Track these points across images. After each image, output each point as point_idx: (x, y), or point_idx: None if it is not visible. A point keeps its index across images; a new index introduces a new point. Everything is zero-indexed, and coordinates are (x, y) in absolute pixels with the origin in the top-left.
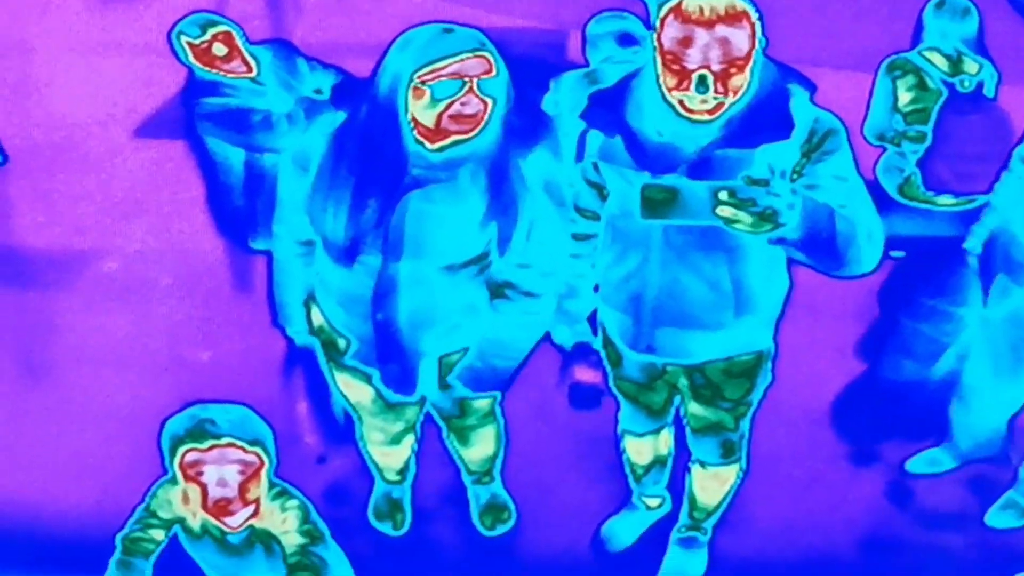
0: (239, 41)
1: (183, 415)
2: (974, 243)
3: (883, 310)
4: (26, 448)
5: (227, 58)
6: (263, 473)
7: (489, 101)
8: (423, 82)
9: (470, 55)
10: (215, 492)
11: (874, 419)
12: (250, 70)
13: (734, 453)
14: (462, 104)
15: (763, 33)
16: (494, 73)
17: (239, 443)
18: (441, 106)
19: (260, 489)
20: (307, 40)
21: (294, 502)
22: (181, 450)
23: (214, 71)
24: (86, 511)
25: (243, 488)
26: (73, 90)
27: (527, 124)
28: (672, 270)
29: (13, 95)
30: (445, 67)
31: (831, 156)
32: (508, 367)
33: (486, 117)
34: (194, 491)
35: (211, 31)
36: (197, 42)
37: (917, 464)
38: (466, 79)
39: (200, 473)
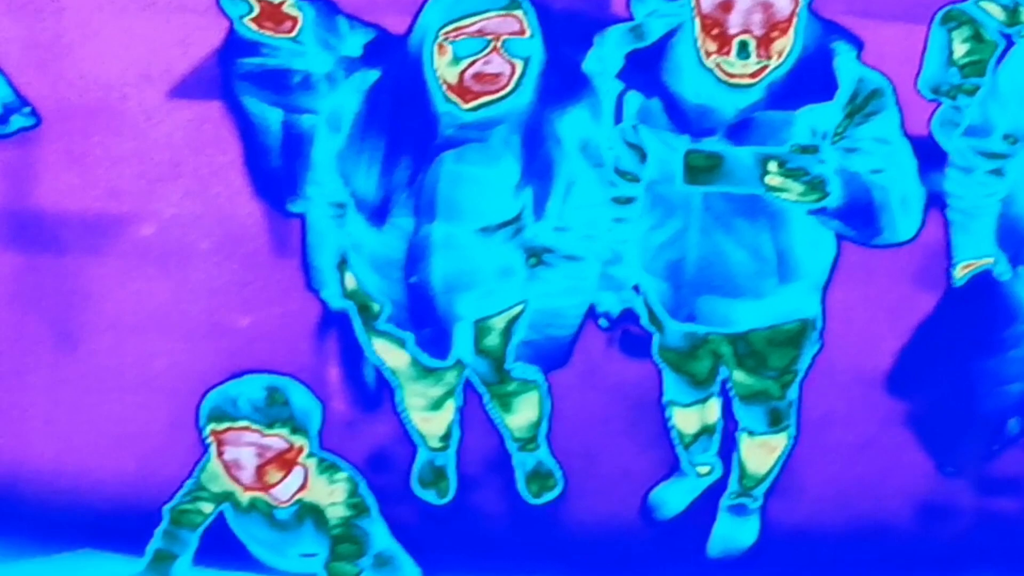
0: (291, 2)
1: (217, 390)
2: (1003, 267)
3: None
4: (64, 417)
5: (283, 20)
6: (294, 455)
7: (517, 62)
8: (447, 39)
9: (498, 13)
10: (233, 472)
11: (927, 383)
12: (292, 30)
13: (782, 421)
14: (484, 63)
15: None
16: (527, 33)
17: (255, 427)
18: (463, 64)
19: (283, 471)
20: None
21: (342, 475)
22: (208, 428)
23: (271, 31)
24: (126, 480)
25: (261, 471)
26: (107, 50)
27: (564, 84)
28: (713, 237)
29: (45, 56)
30: (470, 24)
31: (875, 117)
32: (564, 335)
33: (514, 78)
34: (219, 467)
35: None
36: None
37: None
38: (491, 37)
39: (221, 453)
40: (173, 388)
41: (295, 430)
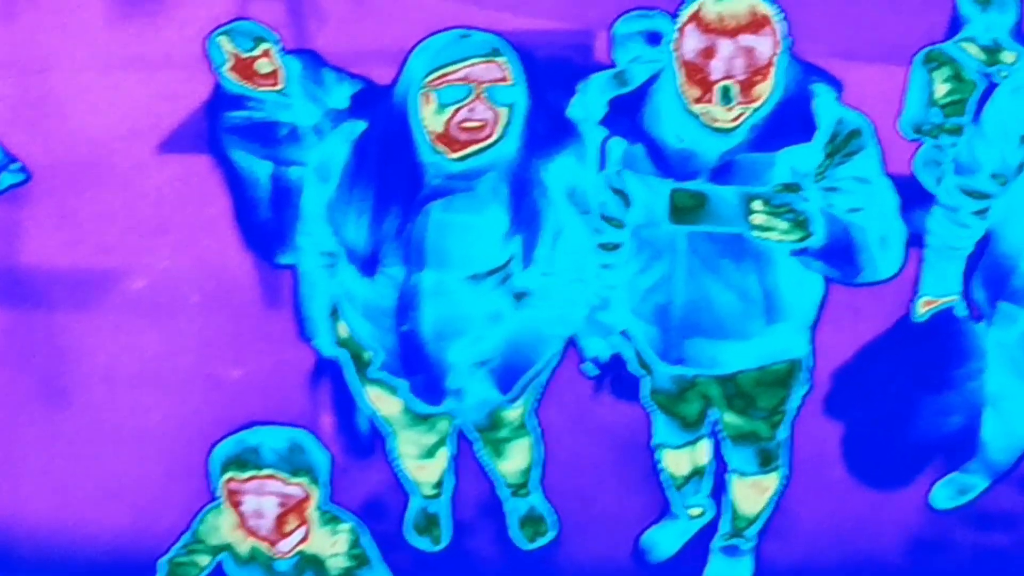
0: (276, 57)
1: (232, 439)
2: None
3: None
4: (58, 471)
5: (266, 76)
6: (308, 505)
7: (502, 110)
8: (432, 87)
9: (481, 60)
10: (251, 522)
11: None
12: (278, 83)
13: (772, 461)
14: (469, 110)
15: (788, 31)
16: (509, 81)
17: (280, 475)
18: (448, 112)
19: (299, 520)
20: (330, 48)
21: (345, 526)
22: (224, 476)
23: (246, 84)
24: (120, 533)
25: (280, 520)
26: (95, 106)
27: (550, 132)
28: (699, 279)
29: (35, 112)
30: (453, 72)
31: (854, 157)
32: (525, 368)
33: (499, 126)
34: (232, 516)
35: (261, 46)
36: (245, 55)
37: (944, 495)
38: (474, 84)
39: (239, 503)
40: (166, 441)
41: (314, 480)
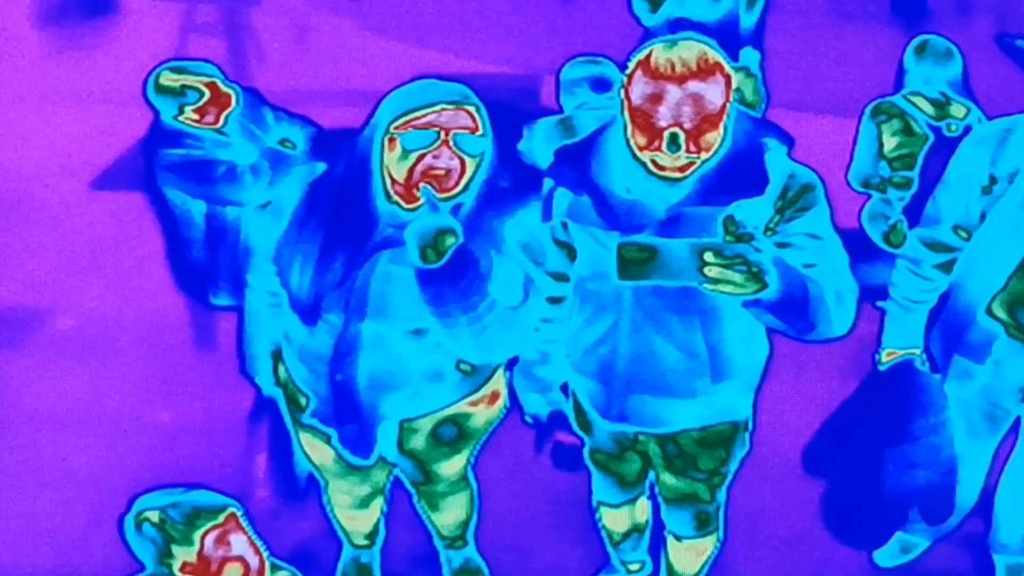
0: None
1: (168, 509)
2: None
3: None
4: None
5: (203, 109)
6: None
7: (468, 160)
8: (397, 131)
9: (449, 106)
10: (253, 560)
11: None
12: (217, 121)
13: (710, 524)
14: (434, 157)
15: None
16: (479, 130)
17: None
18: (412, 159)
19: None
20: (271, 87)
21: (283, 573)
22: (196, 536)
23: (183, 122)
24: None
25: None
26: (28, 140)
27: (511, 187)
28: (644, 334)
29: None
30: (419, 117)
31: (806, 213)
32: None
33: (464, 177)
34: (236, 571)
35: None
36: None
37: (887, 553)
38: (440, 131)
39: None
40: (93, 484)
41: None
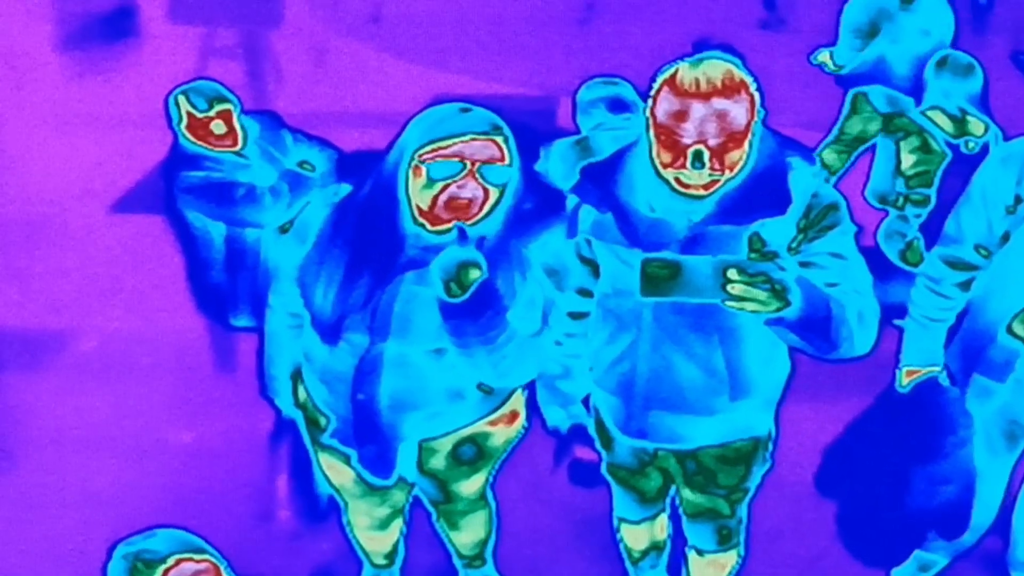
0: (236, 118)
1: (116, 561)
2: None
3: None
4: (1, 535)
5: (221, 136)
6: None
7: (492, 190)
8: (423, 160)
9: (478, 137)
10: None
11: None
12: (236, 144)
13: (731, 540)
14: (458, 187)
15: (762, 103)
16: (505, 161)
17: (185, 556)
18: (437, 188)
19: None
20: (289, 109)
21: None
22: None
23: (201, 144)
24: None
25: None
26: (49, 164)
27: (533, 209)
28: (664, 351)
29: None
30: (447, 146)
31: (829, 233)
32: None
33: (487, 206)
34: None
35: (217, 107)
36: (199, 115)
37: (905, 572)
38: (467, 162)
39: None
40: (114, 505)
41: (211, 554)
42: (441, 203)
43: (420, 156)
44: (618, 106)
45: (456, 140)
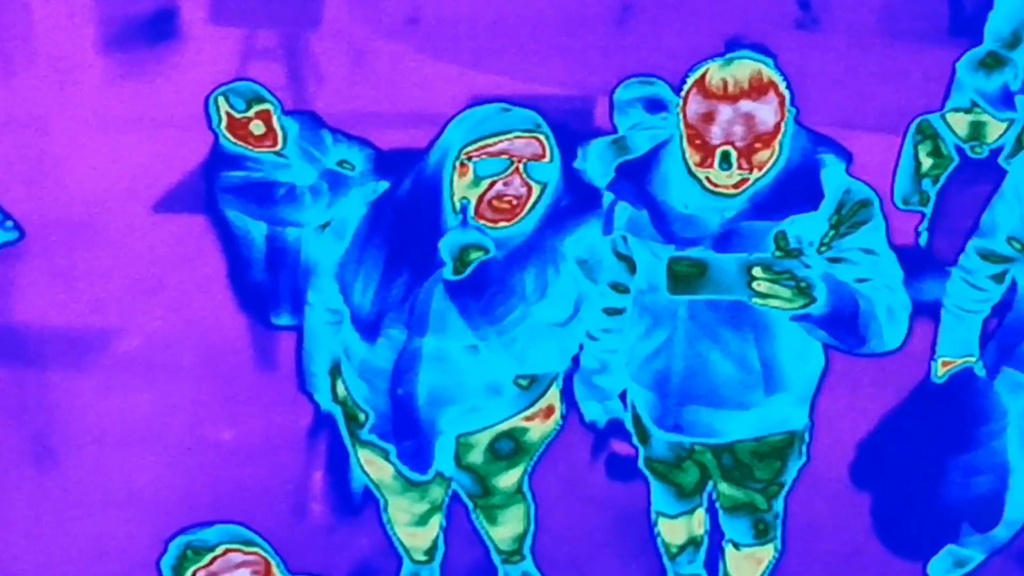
0: (276, 119)
1: (171, 550)
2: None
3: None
4: (45, 533)
5: (261, 137)
6: (273, 570)
7: (535, 186)
8: (468, 158)
9: (522, 135)
10: None
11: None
12: (276, 144)
13: (768, 533)
14: (504, 184)
15: (792, 101)
16: (547, 158)
17: (234, 547)
18: (483, 185)
19: None
20: (329, 110)
21: None
22: (188, 574)
23: (241, 144)
24: None
25: None
26: (92, 165)
27: (570, 205)
28: (698, 347)
29: (31, 171)
30: (493, 144)
31: (861, 229)
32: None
33: (529, 203)
34: None
35: (255, 108)
36: (238, 116)
37: (941, 567)
38: (513, 159)
39: None
40: (156, 503)
41: (263, 548)
42: (487, 200)
43: (466, 154)
44: (655, 106)
45: (501, 138)
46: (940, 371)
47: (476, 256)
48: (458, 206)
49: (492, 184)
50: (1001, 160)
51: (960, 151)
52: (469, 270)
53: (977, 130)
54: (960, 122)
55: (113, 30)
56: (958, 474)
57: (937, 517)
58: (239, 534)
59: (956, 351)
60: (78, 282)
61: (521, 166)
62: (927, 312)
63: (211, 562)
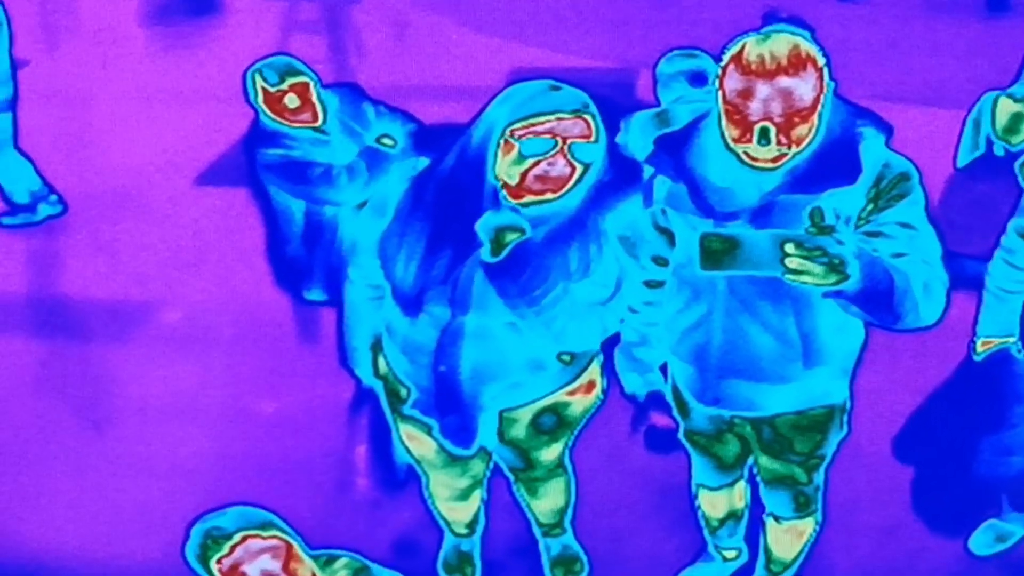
0: (313, 92)
1: (192, 537)
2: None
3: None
4: (89, 503)
5: (297, 110)
6: (296, 551)
7: (579, 166)
8: (515, 136)
9: (569, 115)
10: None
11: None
12: (315, 119)
13: (809, 506)
14: (549, 164)
15: (831, 75)
16: (592, 138)
17: (252, 533)
18: (527, 164)
19: (301, 563)
20: (370, 83)
21: (342, 560)
22: (212, 563)
23: (279, 120)
24: (151, 567)
25: (291, 572)
26: (134, 138)
27: (617, 182)
28: (737, 320)
29: (73, 144)
30: (540, 124)
31: (900, 202)
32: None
33: (573, 182)
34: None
35: (289, 80)
36: (272, 89)
37: (982, 541)
38: (558, 139)
39: (244, 574)
40: (199, 474)
41: (282, 531)
42: (531, 178)
43: (512, 132)
44: (698, 79)
45: (548, 118)
46: (980, 350)
47: (513, 238)
48: (499, 184)
49: (536, 163)
50: (1017, 166)
51: (989, 144)
52: (505, 251)
53: (1015, 123)
54: (1007, 108)
55: (155, 4)
56: (990, 452)
57: (975, 494)
58: (255, 517)
59: (996, 330)
60: (121, 255)
61: (566, 147)
62: (969, 285)
63: (231, 551)
